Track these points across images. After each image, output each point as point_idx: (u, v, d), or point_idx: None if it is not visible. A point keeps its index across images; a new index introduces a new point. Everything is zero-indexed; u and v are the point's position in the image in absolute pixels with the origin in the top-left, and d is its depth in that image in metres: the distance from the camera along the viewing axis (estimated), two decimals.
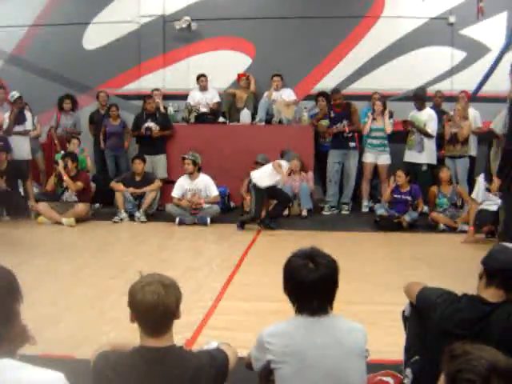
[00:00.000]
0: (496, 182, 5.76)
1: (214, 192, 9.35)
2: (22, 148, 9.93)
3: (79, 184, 9.38)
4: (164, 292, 2.40)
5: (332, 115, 9.99)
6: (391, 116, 10.03)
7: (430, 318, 2.96)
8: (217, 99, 11.09)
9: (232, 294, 5.65)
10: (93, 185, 10.22)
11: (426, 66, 10.79)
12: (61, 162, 9.46)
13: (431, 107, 10.04)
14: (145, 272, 2.57)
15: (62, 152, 10.07)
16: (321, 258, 2.66)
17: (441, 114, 9.98)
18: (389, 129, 9.85)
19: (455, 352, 1.77)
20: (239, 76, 11.04)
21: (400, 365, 3.58)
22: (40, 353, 3.76)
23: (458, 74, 10.80)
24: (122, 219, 9.37)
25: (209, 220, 9.11)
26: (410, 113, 9.91)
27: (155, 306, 2.38)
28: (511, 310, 2.86)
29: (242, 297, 5.52)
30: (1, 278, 2.09)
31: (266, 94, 10.72)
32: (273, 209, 9.17)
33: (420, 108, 9.79)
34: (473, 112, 9.90)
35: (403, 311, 3.55)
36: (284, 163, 8.89)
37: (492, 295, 2.87)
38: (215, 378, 2.54)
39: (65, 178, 9.34)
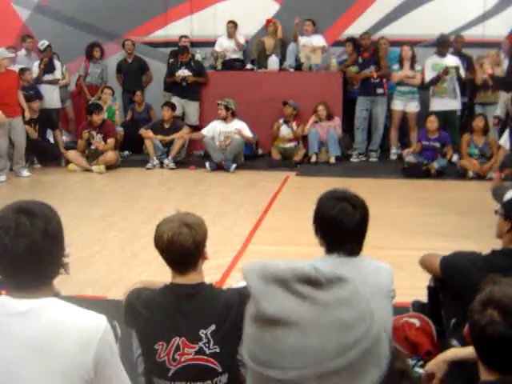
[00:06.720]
0: None
1: (249, 134, 9.47)
2: (52, 97, 10.07)
3: (110, 143, 9.40)
4: (180, 230, 2.43)
5: (360, 61, 9.84)
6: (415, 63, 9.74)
7: (468, 285, 2.64)
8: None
9: (260, 238, 5.75)
10: (121, 132, 10.30)
11: (457, 11, 10.40)
12: (86, 135, 9.37)
13: (451, 53, 9.74)
14: None
15: (92, 98, 10.17)
16: (357, 201, 2.65)
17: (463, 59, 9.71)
18: (418, 79, 9.58)
19: (485, 284, 1.97)
20: (267, 22, 10.87)
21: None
22: (76, 294, 3.92)
23: (490, 19, 10.47)
24: (154, 166, 9.47)
25: (234, 167, 9.14)
26: (431, 59, 9.53)
27: (170, 243, 2.44)
28: None
29: (269, 241, 5.61)
30: (53, 214, 1.93)
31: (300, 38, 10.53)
32: None
33: (443, 54, 9.43)
34: None
35: (428, 286, 3.51)
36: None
37: None
38: (244, 314, 2.60)
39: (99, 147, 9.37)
